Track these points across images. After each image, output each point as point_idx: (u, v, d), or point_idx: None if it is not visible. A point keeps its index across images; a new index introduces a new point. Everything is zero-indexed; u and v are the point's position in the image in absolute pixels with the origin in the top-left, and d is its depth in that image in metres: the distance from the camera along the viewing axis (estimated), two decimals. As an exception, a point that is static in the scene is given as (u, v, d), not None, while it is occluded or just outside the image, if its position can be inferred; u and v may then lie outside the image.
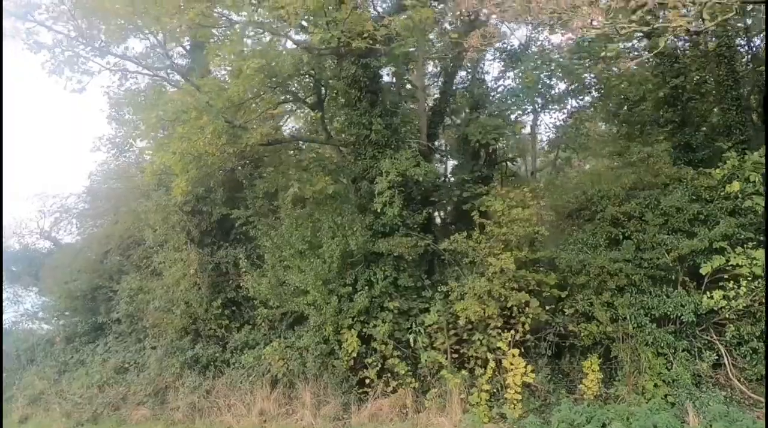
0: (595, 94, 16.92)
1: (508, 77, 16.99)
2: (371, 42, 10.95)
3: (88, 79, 11.59)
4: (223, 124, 10.70)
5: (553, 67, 15.67)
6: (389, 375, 11.99)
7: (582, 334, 11.12)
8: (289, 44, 13.09)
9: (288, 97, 14.48)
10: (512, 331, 11.11)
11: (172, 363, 13.23)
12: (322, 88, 14.52)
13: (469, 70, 16.96)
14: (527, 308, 11.17)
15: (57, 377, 14.30)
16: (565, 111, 17.66)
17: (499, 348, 11.16)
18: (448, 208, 16.67)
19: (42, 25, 11.23)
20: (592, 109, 17.60)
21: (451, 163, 17.96)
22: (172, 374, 13.08)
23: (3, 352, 17.83)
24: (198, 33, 12.03)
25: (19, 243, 20.61)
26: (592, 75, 16.30)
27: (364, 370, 12.14)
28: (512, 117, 16.61)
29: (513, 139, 17.08)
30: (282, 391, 12.45)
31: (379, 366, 12.00)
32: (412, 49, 13.72)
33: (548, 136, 19.20)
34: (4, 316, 19.84)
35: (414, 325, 12.01)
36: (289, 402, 12.36)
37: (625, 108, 16.60)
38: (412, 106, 15.67)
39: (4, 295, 20.53)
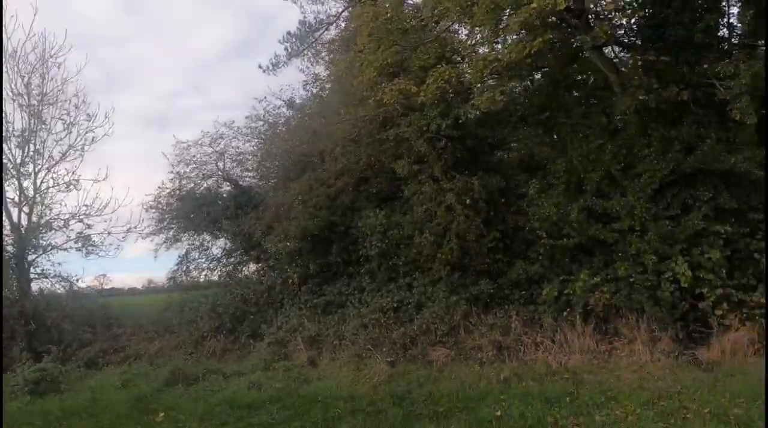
0: None
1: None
2: None
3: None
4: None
5: None
6: (725, 307, 10.66)
7: None
8: None
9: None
10: None
11: (456, 301, 12.24)
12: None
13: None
14: None
15: (319, 318, 13.58)
16: None
17: None
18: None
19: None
20: None
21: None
22: (459, 312, 12.09)
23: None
24: None
25: (207, 188, 19.89)
26: None
27: (692, 302, 10.89)
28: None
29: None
30: (594, 327, 11.29)
31: (714, 297, 10.68)
32: None
33: None
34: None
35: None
36: (606, 339, 11.20)
37: None
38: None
39: (194, 242, 20.09)
